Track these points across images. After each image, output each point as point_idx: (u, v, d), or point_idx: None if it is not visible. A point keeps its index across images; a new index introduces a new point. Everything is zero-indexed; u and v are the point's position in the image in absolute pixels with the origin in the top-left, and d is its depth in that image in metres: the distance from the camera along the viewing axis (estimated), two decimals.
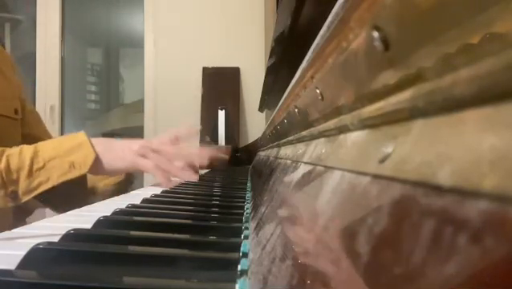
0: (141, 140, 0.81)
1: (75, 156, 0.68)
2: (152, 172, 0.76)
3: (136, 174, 0.94)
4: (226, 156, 1.15)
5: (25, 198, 0.65)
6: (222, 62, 2.06)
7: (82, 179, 0.72)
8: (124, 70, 2.89)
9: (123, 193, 0.76)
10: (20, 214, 0.80)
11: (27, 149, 0.67)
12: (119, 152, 0.74)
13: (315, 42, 0.22)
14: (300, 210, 0.22)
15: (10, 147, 0.81)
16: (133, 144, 0.76)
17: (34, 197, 0.67)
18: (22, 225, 0.39)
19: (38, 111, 1.05)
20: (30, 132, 0.90)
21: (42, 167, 0.66)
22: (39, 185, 0.66)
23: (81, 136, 0.72)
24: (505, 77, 0.08)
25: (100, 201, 0.60)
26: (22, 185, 0.65)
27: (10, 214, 0.78)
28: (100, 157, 0.71)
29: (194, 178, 0.83)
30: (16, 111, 0.85)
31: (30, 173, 0.66)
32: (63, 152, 0.68)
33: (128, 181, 0.88)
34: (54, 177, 0.67)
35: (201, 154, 0.90)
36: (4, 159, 0.65)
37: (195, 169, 0.86)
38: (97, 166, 0.71)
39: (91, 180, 0.84)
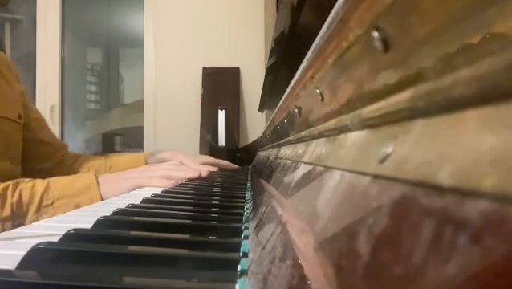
0: (144, 167, 0.87)
1: (82, 198, 0.71)
2: (159, 185, 0.79)
3: None
4: (226, 164, 1.23)
5: None
6: (222, 62, 2.06)
7: None
8: (124, 70, 2.89)
9: None
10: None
11: (40, 184, 0.70)
12: (122, 185, 0.77)
13: (315, 42, 0.22)
14: (300, 210, 0.22)
15: (13, 149, 0.83)
16: (134, 173, 0.81)
17: None
18: None
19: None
20: (34, 136, 0.93)
21: (51, 204, 0.70)
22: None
23: (91, 178, 0.75)
24: (506, 77, 0.08)
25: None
26: (30, 218, 0.68)
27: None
28: (104, 199, 0.74)
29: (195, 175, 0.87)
30: (19, 116, 0.88)
31: (39, 209, 0.68)
32: (72, 192, 0.72)
33: None
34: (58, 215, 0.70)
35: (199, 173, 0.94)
36: (17, 192, 0.67)
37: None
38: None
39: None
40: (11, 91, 0.88)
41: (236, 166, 1.30)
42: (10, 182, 0.68)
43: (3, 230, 0.65)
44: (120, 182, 0.78)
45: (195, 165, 0.95)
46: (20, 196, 0.67)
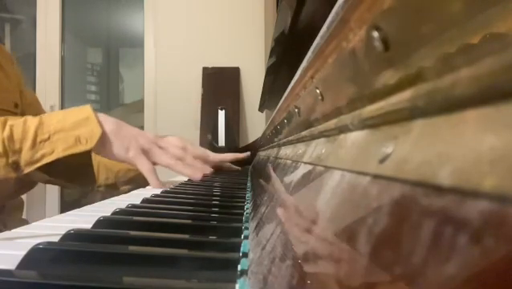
0: (152, 134, 0.78)
1: (81, 130, 0.66)
2: (145, 174, 0.74)
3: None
4: (241, 156, 1.09)
5: (27, 169, 0.63)
6: (222, 62, 2.06)
7: (87, 154, 0.70)
8: (124, 70, 2.89)
9: (143, 185, 0.75)
10: (22, 186, 0.79)
11: (32, 120, 0.66)
12: (125, 141, 0.71)
13: (315, 42, 0.22)
14: (300, 210, 0.22)
15: None
16: (141, 137, 0.74)
17: (37, 169, 0.65)
18: (23, 195, 0.39)
19: None
20: None
21: (47, 139, 0.65)
22: (43, 156, 0.64)
23: (87, 109, 0.70)
24: (506, 77, 0.08)
25: (100, 201, 0.60)
26: (25, 155, 0.63)
27: (11, 186, 0.76)
28: (108, 137, 0.69)
29: (197, 177, 0.81)
30: (16, 105, 0.84)
31: (34, 144, 0.64)
32: (69, 125, 0.67)
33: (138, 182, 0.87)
34: (58, 149, 0.65)
35: (206, 159, 0.88)
36: (7, 128, 0.63)
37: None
38: (102, 145, 0.69)
39: (113, 168, 0.84)
40: (6, 79, 0.83)
41: (236, 168, 1.15)
42: None
43: None
44: (125, 139, 0.71)
45: (197, 162, 0.87)
46: (11, 131, 0.62)
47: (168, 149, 0.76)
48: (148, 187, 0.80)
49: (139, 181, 0.84)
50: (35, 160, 0.64)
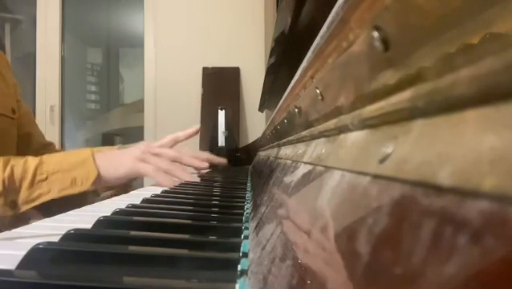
0: (142, 143, 0.82)
1: (77, 172, 0.70)
2: (152, 177, 0.76)
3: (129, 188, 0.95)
4: (224, 161, 1.12)
5: (24, 208, 0.66)
6: (222, 62, 2.06)
7: (82, 194, 0.73)
8: (124, 70, 2.90)
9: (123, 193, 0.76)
10: (17, 223, 0.80)
11: (32, 160, 0.68)
12: (119, 162, 0.75)
13: (315, 42, 0.22)
14: (300, 210, 0.22)
15: (8, 146, 0.81)
16: (133, 151, 0.77)
17: (33, 208, 0.67)
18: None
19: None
20: (25, 131, 0.91)
21: (45, 179, 0.68)
22: (39, 196, 0.67)
23: (85, 152, 0.73)
24: (506, 77, 0.08)
25: (100, 201, 0.60)
26: (23, 194, 0.66)
27: (6, 222, 0.78)
28: (101, 172, 0.72)
29: (194, 179, 0.83)
30: (13, 111, 0.85)
31: (32, 184, 0.66)
32: (67, 166, 0.70)
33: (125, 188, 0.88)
34: (55, 190, 0.68)
35: (199, 157, 0.90)
36: (9, 168, 0.66)
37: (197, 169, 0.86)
38: (98, 181, 0.72)
39: None
40: (5, 85, 0.85)
41: (222, 160, 1.07)
42: (0, 158, 0.65)
43: None
44: (119, 159, 0.75)
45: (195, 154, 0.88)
46: (12, 171, 0.65)
47: (161, 155, 0.78)
48: (148, 187, 0.80)
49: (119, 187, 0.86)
50: (32, 199, 0.67)
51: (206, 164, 0.88)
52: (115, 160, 0.75)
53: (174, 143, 0.83)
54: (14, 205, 0.66)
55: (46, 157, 0.70)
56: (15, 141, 0.86)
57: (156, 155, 0.77)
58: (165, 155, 0.78)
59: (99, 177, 0.71)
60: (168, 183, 0.75)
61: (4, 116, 0.81)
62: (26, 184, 0.66)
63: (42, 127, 1.08)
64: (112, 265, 0.26)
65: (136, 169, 0.75)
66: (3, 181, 0.64)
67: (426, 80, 0.11)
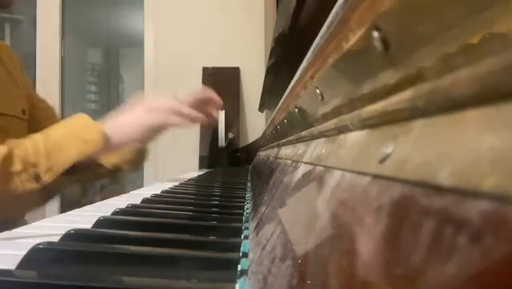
0: (143, 101, 0.80)
1: (84, 133, 0.70)
2: (165, 124, 0.76)
3: (136, 174, 0.94)
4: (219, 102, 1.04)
5: (48, 179, 0.66)
6: (222, 62, 2.06)
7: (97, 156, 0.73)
8: (124, 70, 2.89)
9: (138, 168, 0.76)
10: (47, 196, 0.80)
11: (38, 136, 0.69)
12: (124, 122, 0.74)
13: (315, 42, 0.22)
14: (300, 210, 0.22)
15: None
16: (134, 110, 0.76)
17: (59, 177, 0.68)
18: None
19: None
20: (42, 127, 0.90)
21: (58, 148, 0.68)
22: (60, 164, 0.67)
23: (82, 117, 0.73)
24: (506, 77, 0.08)
25: (100, 201, 0.60)
26: (43, 166, 0.66)
27: (37, 197, 0.78)
28: (109, 132, 0.71)
29: (203, 119, 0.83)
30: (24, 112, 0.86)
31: (49, 155, 0.67)
32: (73, 132, 0.70)
33: (139, 161, 0.88)
34: (72, 154, 0.68)
35: (197, 97, 0.88)
36: (22, 147, 0.66)
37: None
38: (110, 140, 0.71)
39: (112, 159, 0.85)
40: (15, 85, 0.85)
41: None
42: (6, 144, 0.65)
43: (21, 186, 0.64)
44: (123, 119, 0.74)
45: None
46: (25, 149, 0.66)
47: (164, 105, 0.78)
48: (148, 187, 0.80)
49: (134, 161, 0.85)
50: (54, 169, 0.67)
51: (202, 117, 0.85)
52: (120, 121, 0.74)
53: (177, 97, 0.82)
54: (37, 177, 0.66)
55: (48, 130, 0.71)
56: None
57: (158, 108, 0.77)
58: (167, 105, 0.78)
59: (107, 135, 0.71)
60: (183, 123, 0.75)
61: (14, 118, 0.82)
62: (42, 156, 0.66)
63: None
64: (112, 265, 0.26)
65: (145, 123, 0.74)
66: (21, 159, 0.65)
67: (426, 80, 0.11)
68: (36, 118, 0.89)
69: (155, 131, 0.77)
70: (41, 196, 0.75)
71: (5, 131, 0.78)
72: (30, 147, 0.66)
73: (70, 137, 0.69)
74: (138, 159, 0.87)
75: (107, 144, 0.71)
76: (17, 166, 0.64)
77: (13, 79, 0.85)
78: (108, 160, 0.83)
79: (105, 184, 2.00)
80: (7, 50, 0.89)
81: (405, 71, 0.12)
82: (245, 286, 0.22)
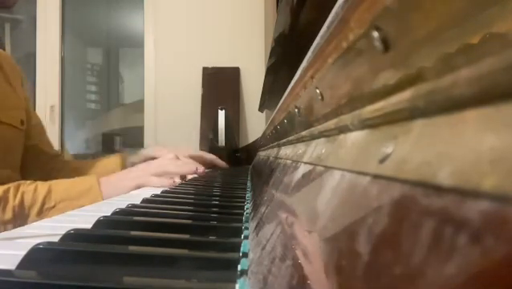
0: (143, 166, 0.86)
1: (83, 200, 0.71)
2: (155, 185, 0.79)
3: None
4: (223, 164, 1.20)
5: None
6: (222, 62, 2.06)
7: None
8: (124, 70, 2.89)
9: None
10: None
11: (42, 187, 0.71)
12: (122, 184, 0.78)
13: (315, 42, 0.22)
14: (300, 210, 0.22)
15: (14, 155, 0.83)
16: (135, 172, 0.81)
17: None
18: None
19: (38, 112, 1.06)
20: (33, 143, 0.93)
21: (53, 207, 0.70)
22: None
23: (92, 180, 0.76)
24: (506, 77, 0.08)
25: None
26: (31, 220, 0.68)
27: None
28: (105, 198, 0.74)
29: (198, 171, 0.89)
30: (22, 122, 0.87)
31: (41, 211, 0.69)
32: (74, 195, 0.72)
33: None
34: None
35: (200, 157, 0.94)
36: (19, 195, 0.68)
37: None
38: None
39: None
40: (15, 96, 0.87)
41: (224, 164, 1.24)
42: (12, 185, 0.68)
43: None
44: (121, 182, 0.78)
45: (190, 160, 0.95)
46: (22, 199, 0.68)
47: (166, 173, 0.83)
48: (148, 186, 0.80)
49: None
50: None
51: (201, 169, 0.91)
52: (120, 185, 0.78)
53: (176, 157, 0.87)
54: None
55: (54, 185, 0.73)
56: (21, 152, 0.88)
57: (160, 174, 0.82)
58: (168, 171, 0.83)
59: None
60: (165, 183, 0.78)
61: (12, 127, 0.83)
62: (34, 211, 0.68)
63: None
64: (112, 265, 0.26)
65: (137, 184, 0.79)
66: (13, 209, 0.67)
67: (426, 80, 0.11)
68: (28, 133, 0.91)
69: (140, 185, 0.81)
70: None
71: (2, 140, 0.79)
72: (29, 198, 0.68)
73: (68, 200, 0.71)
74: None
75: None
76: (8, 214, 0.66)
77: (13, 89, 0.86)
78: None
79: None
80: (9, 59, 0.91)
81: (405, 71, 0.12)
82: (245, 286, 0.22)
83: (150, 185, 0.79)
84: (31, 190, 0.69)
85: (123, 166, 0.98)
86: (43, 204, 0.69)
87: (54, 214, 0.68)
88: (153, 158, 0.95)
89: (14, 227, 0.65)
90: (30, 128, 0.93)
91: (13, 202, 0.66)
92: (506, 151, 0.07)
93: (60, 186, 0.73)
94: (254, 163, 1.19)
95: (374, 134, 0.16)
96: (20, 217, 0.67)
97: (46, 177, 0.92)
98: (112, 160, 1.01)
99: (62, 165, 1.01)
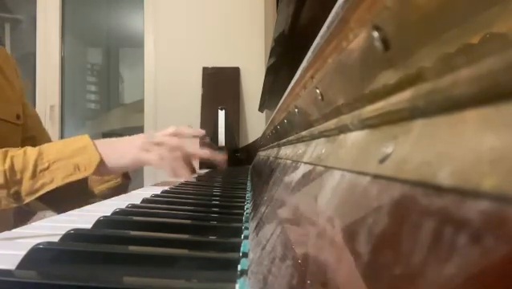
0: (143, 134, 0.81)
1: (79, 158, 0.69)
2: (156, 166, 0.75)
3: (136, 174, 0.94)
4: (223, 160, 1.12)
5: (28, 199, 0.65)
6: (222, 62, 2.06)
7: (84, 181, 0.72)
8: (124, 70, 2.89)
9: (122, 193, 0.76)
10: (21, 216, 0.80)
11: (31, 151, 0.68)
12: (121, 150, 0.74)
13: (315, 42, 0.22)
14: (300, 210, 0.22)
15: None
16: (135, 140, 0.76)
17: (37, 199, 0.67)
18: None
19: (38, 112, 1.05)
20: (31, 134, 0.90)
21: (47, 168, 0.67)
22: (43, 185, 0.66)
23: (85, 138, 0.72)
24: (506, 77, 0.08)
25: (100, 201, 0.60)
26: (26, 185, 0.65)
27: (11, 216, 0.77)
28: (104, 159, 0.71)
29: (191, 177, 0.82)
30: (18, 117, 0.84)
31: (34, 174, 0.66)
32: (68, 154, 0.69)
33: (124, 185, 0.88)
34: (58, 178, 0.67)
35: (200, 152, 0.89)
36: (8, 160, 0.65)
37: (191, 168, 0.85)
38: (102, 167, 0.71)
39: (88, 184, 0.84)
40: (11, 90, 0.84)
41: (221, 159, 1.04)
42: None
43: None
44: (122, 147, 0.74)
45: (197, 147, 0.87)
46: (12, 163, 0.65)
47: (163, 144, 0.77)
48: (148, 187, 0.80)
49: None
50: (35, 190, 0.66)
51: (208, 154, 0.86)
52: (118, 148, 0.74)
53: (176, 134, 0.82)
54: (17, 196, 0.65)
55: (45, 147, 0.69)
56: (18, 147, 0.86)
57: (159, 144, 0.76)
58: (168, 143, 0.77)
59: (102, 163, 0.70)
60: (171, 173, 0.74)
61: (7, 122, 0.81)
62: (28, 174, 0.65)
63: None
64: (112, 265, 0.26)
65: (139, 158, 0.74)
66: (4, 173, 0.64)
67: (426, 80, 0.11)
68: (23, 125, 0.88)
69: (144, 164, 0.77)
70: (14, 216, 0.74)
71: None
72: (19, 161, 0.65)
73: (62, 159, 0.68)
74: (119, 189, 0.87)
75: (99, 171, 0.71)
76: None
77: (9, 83, 0.84)
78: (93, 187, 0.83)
79: None
80: (3, 53, 0.89)
81: (405, 71, 0.12)
82: (245, 286, 0.22)
83: (150, 164, 0.74)
84: (20, 154, 0.66)
85: None
86: (35, 166, 0.66)
87: (50, 177, 0.66)
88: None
89: (9, 194, 0.64)
90: (26, 118, 0.90)
91: (2, 167, 0.63)
92: (506, 151, 0.07)
93: (52, 148, 0.69)
94: (254, 163, 1.19)
95: (374, 134, 0.16)
96: (13, 183, 0.64)
97: (74, 190, 0.89)
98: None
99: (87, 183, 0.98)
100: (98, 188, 0.84)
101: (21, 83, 0.91)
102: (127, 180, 0.88)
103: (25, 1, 2.30)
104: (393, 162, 0.12)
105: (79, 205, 0.53)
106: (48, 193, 0.67)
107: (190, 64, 2.06)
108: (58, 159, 0.68)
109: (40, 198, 0.67)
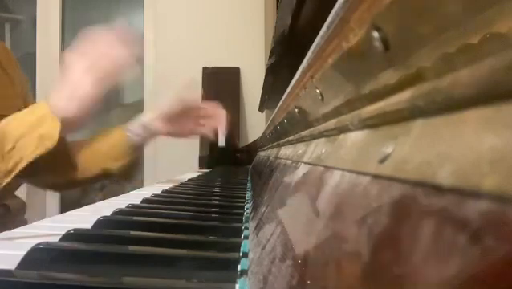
0: (76, 61, 0.73)
1: (41, 129, 0.66)
2: (109, 72, 0.71)
3: (136, 175, 0.92)
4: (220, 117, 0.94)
5: (6, 180, 0.65)
6: (222, 62, 2.06)
7: (59, 146, 0.70)
8: None
9: (132, 177, 0.74)
10: (1, 194, 0.79)
11: None
12: (74, 93, 0.70)
13: (315, 42, 0.22)
14: (300, 210, 0.22)
15: None
16: (77, 76, 0.70)
17: (16, 176, 0.66)
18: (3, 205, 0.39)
19: None
20: None
21: (13, 148, 0.65)
22: (15, 165, 0.65)
23: (42, 106, 0.69)
24: (506, 77, 0.08)
25: (99, 201, 0.60)
26: (1, 170, 0.64)
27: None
28: (66, 118, 0.68)
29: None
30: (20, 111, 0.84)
31: (2, 157, 0.65)
32: (28, 128, 0.67)
33: (135, 163, 0.86)
34: (27, 153, 0.65)
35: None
36: None
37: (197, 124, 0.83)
38: (68, 127, 0.69)
39: (100, 163, 0.83)
40: (12, 85, 0.83)
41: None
42: None
43: None
44: (72, 89, 0.69)
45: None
46: None
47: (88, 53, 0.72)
48: (148, 187, 0.80)
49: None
50: (10, 171, 0.66)
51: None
52: (70, 93, 0.69)
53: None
54: None
55: (5, 126, 0.67)
56: None
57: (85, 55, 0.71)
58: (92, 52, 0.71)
59: (64, 127, 0.67)
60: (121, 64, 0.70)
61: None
62: None
63: None
64: (112, 265, 0.26)
65: (89, 88, 0.69)
66: None
67: (426, 80, 0.11)
68: None
69: (106, 83, 0.71)
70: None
71: None
72: None
73: (26, 135, 0.66)
74: (129, 165, 0.85)
75: (65, 133, 0.69)
76: None
77: (9, 79, 0.83)
78: (97, 164, 0.82)
79: (105, 184, 2.00)
80: (2, 48, 0.88)
81: (405, 71, 0.12)
82: (245, 286, 0.22)
83: (104, 76, 0.69)
84: None
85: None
86: (2, 149, 0.64)
87: (20, 154, 0.64)
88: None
89: None
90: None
91: None
92: (506, 151, 0.07)
93: (11, 126, 0.67)
94: (254, 163, 1.19)
95: (374, 134, 0.16)
96: None
97: (50, 159, 0.86)
98: (116, 133, 0.88)
99: (64, 147, 0.94)
100: (114, 165, 0.82)
101: (21, 75, 0.90)
102: (136, 159, 0.85)
103: (25, 1, 2.30)
104: (393, 162, 0.12)
105: (61, 173, 0.51)
106: (24, 169, 0.66)
107: (190, 64, 2.06)
108: (21, 136, 0.66)
109: (18, 175, 0.66)
